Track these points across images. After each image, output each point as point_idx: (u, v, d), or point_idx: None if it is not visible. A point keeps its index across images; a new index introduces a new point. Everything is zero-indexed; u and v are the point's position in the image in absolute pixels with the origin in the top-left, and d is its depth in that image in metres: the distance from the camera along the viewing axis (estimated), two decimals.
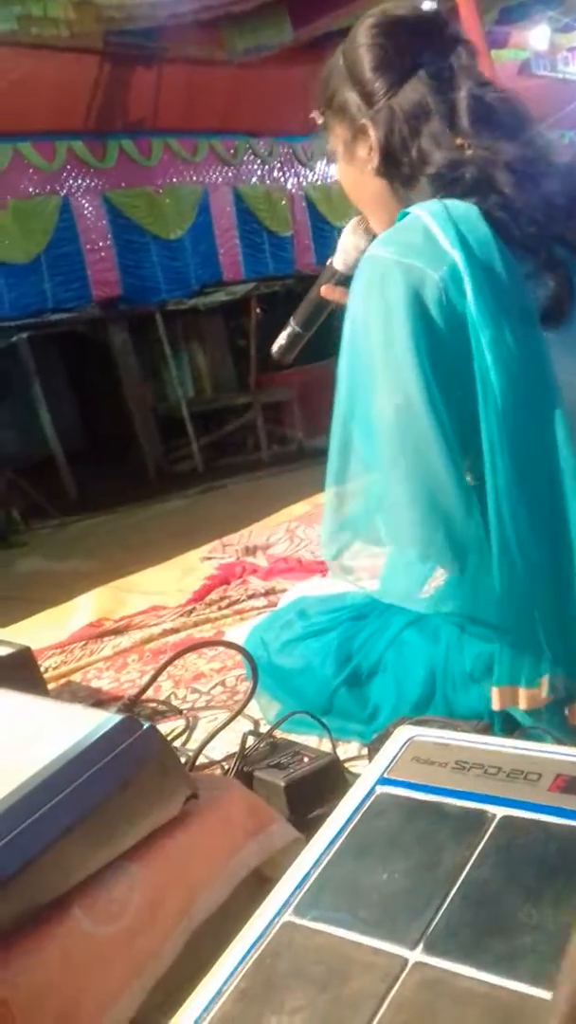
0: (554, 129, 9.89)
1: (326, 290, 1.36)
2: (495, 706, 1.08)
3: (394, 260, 1.01)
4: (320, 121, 1.23)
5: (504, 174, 1.04)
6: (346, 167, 1.22)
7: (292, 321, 1.47)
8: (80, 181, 7.58)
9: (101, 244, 7.74)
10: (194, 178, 8.26)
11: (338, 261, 1.36)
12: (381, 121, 1.12)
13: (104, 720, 0.82)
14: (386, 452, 1.04)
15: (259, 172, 8.74)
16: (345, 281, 1.34)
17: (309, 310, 1.44)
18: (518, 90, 1.21)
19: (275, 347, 1.50)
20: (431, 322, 0.99)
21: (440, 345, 0.99)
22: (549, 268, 1.03)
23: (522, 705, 1.06)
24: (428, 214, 1.02)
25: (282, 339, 1.49)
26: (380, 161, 1.14)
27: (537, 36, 8.16)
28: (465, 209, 1.02)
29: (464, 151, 1.08)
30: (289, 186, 8.89)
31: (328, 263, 1.38)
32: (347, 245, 1.34)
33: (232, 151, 8.44)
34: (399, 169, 1.14)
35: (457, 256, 0.98)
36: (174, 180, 8.12)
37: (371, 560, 1.19)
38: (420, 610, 1.16)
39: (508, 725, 1.12)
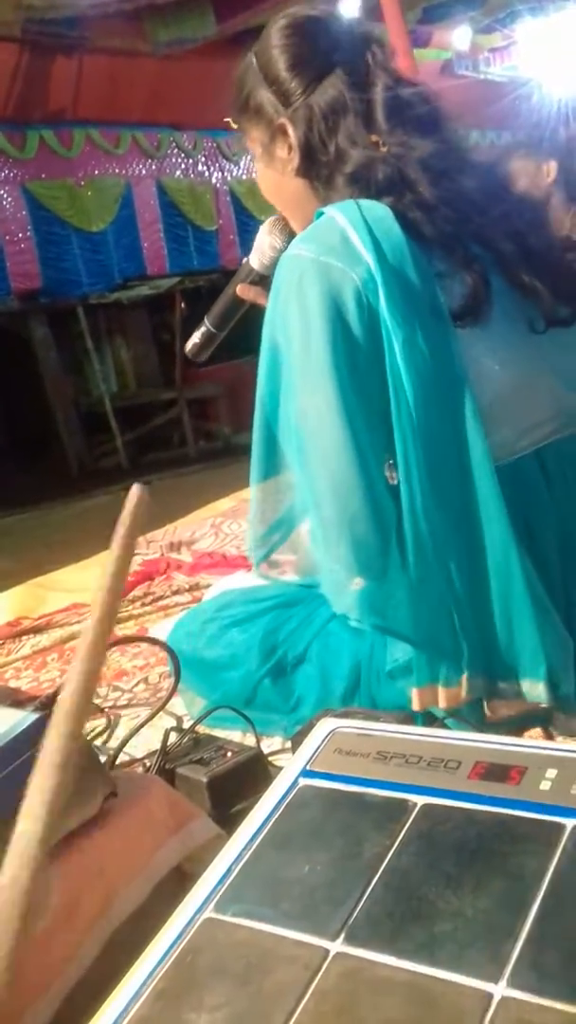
0: (476, 128, 10.04)
1: (241, 289, 1.33)
2: (415, 706, 1.09)
3: (312, 259, 1.01)
4: (235, 126, 1.21)
5: (418, 171, 1.04)
6: (265, 169, 1.20)
7: (206, 320, 1.44)
8: None
9: (20, 236, 7.56)
10: (117, 170, 8.13)
11: (254, 260, 1.33)
12: (300, 119, 1.11)
13: (20, 719, 0.80)
14: (304, 453, 1.05)
15: (183, 166, 8.65)
16: (261, 280, 1.31)
17: (224, 309, 1.41)
18: (440, 89, 1.21)
19: (189, 345, 1.47)
20: (347, 324, 1.00)
21: (356, 346, 1.00)
22: (465, 266, 1.04)
23: (442, 704, 1.07)
24: (344, 217, 1.02)
25: (196, 337, 1.46)
26: (300, 160, 1.13)
27: (459, 36, 8.22)
28: (380, 211, 1.02)
29: (379, 148, 1.07)
30: (214, 180, 8.81)
31: (244, 261, 1.36)
32: (263, 244, 1.31)
33: (156, 144, 8.33)
34: (318, 168, 1.12)
35: (371, 260, 0.99)
36: (96, 172, 7.97)
37: (294, 555, 1.20)
38: (337, 612, 1.17)
39: (429, 717, 1.13)
